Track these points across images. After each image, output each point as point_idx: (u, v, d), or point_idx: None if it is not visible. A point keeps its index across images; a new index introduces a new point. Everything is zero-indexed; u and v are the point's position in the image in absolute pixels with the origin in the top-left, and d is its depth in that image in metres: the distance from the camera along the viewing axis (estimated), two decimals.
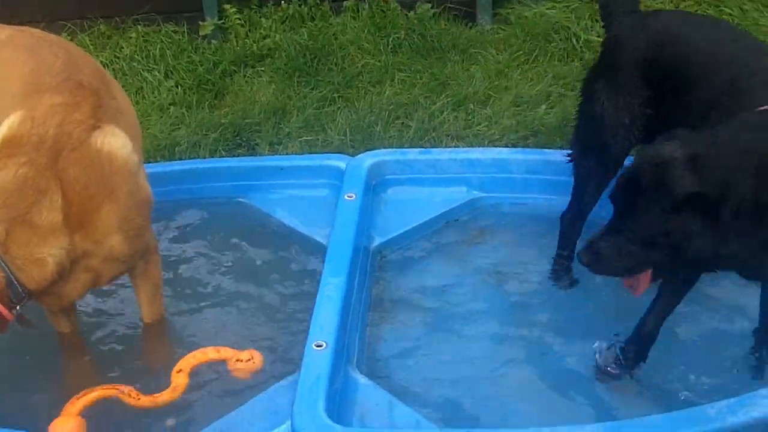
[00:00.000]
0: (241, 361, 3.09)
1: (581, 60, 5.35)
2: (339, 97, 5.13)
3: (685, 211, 2.42)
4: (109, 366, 3.24)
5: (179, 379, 3.06)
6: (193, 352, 3.16)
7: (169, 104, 5.18)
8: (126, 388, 3.02)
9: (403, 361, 3.18)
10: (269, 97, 5.15)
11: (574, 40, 5.51)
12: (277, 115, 4.98)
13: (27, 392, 3.15)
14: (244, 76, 5.41)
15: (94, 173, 2.82)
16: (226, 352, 3.15)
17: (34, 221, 2.73)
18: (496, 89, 5.06)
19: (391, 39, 5.52)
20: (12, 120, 2.81)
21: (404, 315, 3.42)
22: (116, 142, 2.92)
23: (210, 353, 3.16)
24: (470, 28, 5.78)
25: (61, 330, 3.26)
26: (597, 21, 5.63)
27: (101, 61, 5.47)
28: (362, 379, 2.93)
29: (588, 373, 3.04)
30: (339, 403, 2.76)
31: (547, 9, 5.72)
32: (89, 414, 2.95)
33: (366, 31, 5.58)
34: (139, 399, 2.99)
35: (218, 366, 3.14)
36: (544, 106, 4.87)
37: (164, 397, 3.01)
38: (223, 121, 4.93)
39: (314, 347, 2.87)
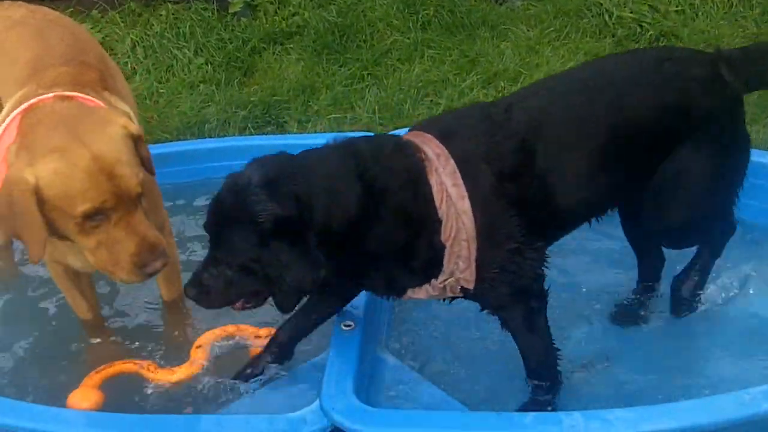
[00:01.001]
0: (260, 338, 3.08)
1: (613, 36, 5.30)
2: (368, 74, 5.12)
3: (274, 238, 2.39)
4: (132, 344, 3.25)
5: (198, 354, 3.07)
6: (213, 329, 3.16)
7: (199, 82, 5.19)
8: (145, 362, 3.04)
9: (431, 341, 3.17)
10: (298, 74, 5.14)
11: (606, 16, 5.46)
12: (305, 92, 4.98)
13: (49, 367, 3.17)
14: (273, 53, 5.41)
15: None
16: (245, 330, 3.14)
17: None
18: (526, 66, 5.02)
19: (420, 16, 5.49)
20: (19, 93, 2.84)
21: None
22: (125, 106, 2.98)
23: (229, 329, 3.14)
24: (500, 4, 5.74)
25: (83, 315, 3.28)
26: None
27: (131, 39, 5.51)
28: (390, 359, 2.93)
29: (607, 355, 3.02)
30: (367, 384, 2.77)
31: None
32: (108, 387, 2.96)
33: (395, 8, 5.55)
34: (156, 372, 3.00)
35: (239, 349, 3.12)
36: None
37: (182, 371, 3.01)
38: (252, 98, 4.93)
39: (343, 327, 2.87)
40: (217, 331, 3.15)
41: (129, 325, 3.39)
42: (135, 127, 2.69)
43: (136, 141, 2.67)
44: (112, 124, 2.64)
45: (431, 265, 2.57)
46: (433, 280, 2.60)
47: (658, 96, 2.70)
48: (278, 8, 5.70)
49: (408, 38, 5.34)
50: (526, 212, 2.57)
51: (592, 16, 5.47)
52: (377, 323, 3.06)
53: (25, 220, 2.54)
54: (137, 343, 3.24)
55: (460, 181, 2.50)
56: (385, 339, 3.08)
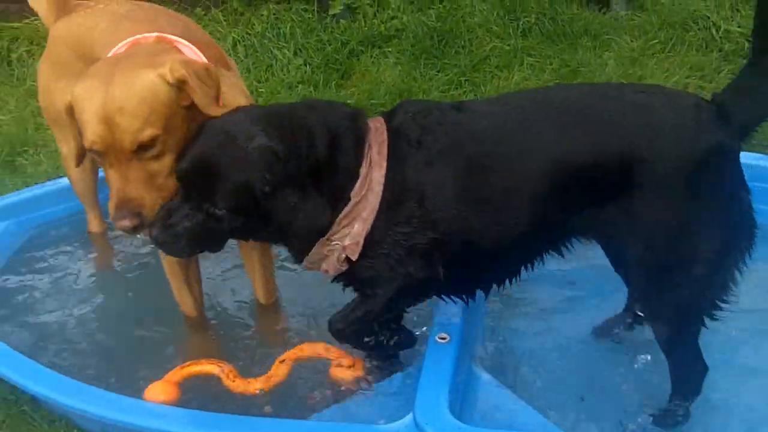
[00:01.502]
0: (342, 366, 3.01)
1: (720, 51, 5.15)
2: (465, 80, 5.08)
3: (281, 187, 2.47)
4: (226, 343, 3.31)
5: (279, 370, 3.03)
6: (301, 345, 3.12)
7: (298, 82, 5.23)
8: (226, 367, 3.03)
9: (525, 357, 3.12)
10: (395, 78, 5.14)
11: (713, 30, 5.31)
12: (402, 96, 4.96)
13: (137, 360, 3.22)
14: (371, 56, 5.42)
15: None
16: (333, 353, 3.05)
17: None
18: (629, 78, 4.91)
19: (521, 23, 5.43)
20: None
21: (525, 308, 3.35)
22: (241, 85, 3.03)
23: (318, 348, 3.08)
24: (603, 13, 5.64)
25: (189, 312, 3.34)
26: (738, 11, 5.41)
27: (233, 38, 5.59)
28: (484, 375, 2.89)
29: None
30: (461, 400, 2.73)
31: None
32: (187, 385, 2.99)
33: (495, 14, 5.51)
34: (234, 381, 2.99)
35: (318, 373, 3.06)
36: None
37: (257, 384, 2.98)
38: (348, 101, 4.94)
39: (438, 339, 2.84)
40: (306, 348, 3.11)
41: (226, 322, 3.43)
42: (178, 74, 2.61)
43: (179, 86, 2.62)
44: (148, 70, 2.62)
45: (331, 215, 2.58)
46: (322, 239, 2.61)
47: (618, 127, 2.52)
48: (377, 11, 5.71)
49: (508, 45, 5.29)
50: (427, 206, 2.58)
51: (699, 30, 5.32)
52: (472, 337, 3.02)
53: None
54: (231, 343, 3.29)
55: (385, 151, 2.58)
56: (479, 353, 3.04)
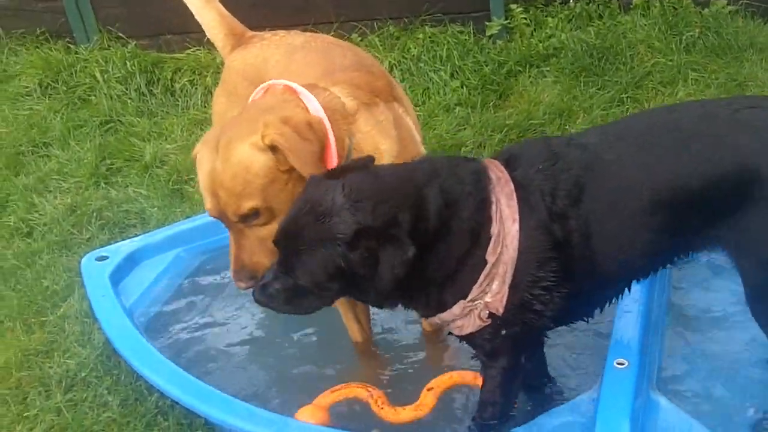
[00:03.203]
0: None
1: None
2: (627, 97, 5.01)
3: (356, 248, 2.39)
4: (390, 371, 3.37)
5: (428, 399, 3.04)
6: (450, 373, 3.13)
7: (455, 104, 5.27)
8: (376, 393, 3.06)
9: (704, 382, 3.04)
10: (554, 97, 5.11)
11: None
12: (562, 116, 4.94)
13: (299, 385, 3.32)
14: (529, 76, 5.41)
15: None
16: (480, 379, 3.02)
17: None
18: None
19: (684, 37, 5.32)
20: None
21: (701, 327, 3.28)
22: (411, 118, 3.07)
23: (467, 377, 3.08)
24: None
25: (356, 338, 3.43)
26: None
27: (389, 62, 5.68)
28: (663, 401, 2.81)
29: None
30: (641, 427, 2.67)
31: None
32: (336, 409, 3.06)
33: (657, 29, 5.41)
34: (382, 408, 3.00)
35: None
36: None
37: (407, 413, 3.00)
38: (507, 122, 4.95)
39: (616, 365, 2.80)
40: (455, 376, 3.12)
41: (390, 347, 3.50)
42: (269, 139, 2.66)
43: (273, 151, 2.67)
44: (243, 141, 2.68)
45: (470, 281, 2.54)
46: (461, 300, 2.56)
47: (727, 146, 2.48)
48: (534, 30, 5.70)
49: (670, 60, 5.18)
50: (565, 254, 2.54)
51: None
52: (650, 361, 2.96)
53: None
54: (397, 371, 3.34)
55: (515, 204, 2.54)
56: (656, 378, 2.97)
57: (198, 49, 6.29)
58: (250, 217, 2.70)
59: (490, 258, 2.53)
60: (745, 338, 3.13)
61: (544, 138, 2.92)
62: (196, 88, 6.01)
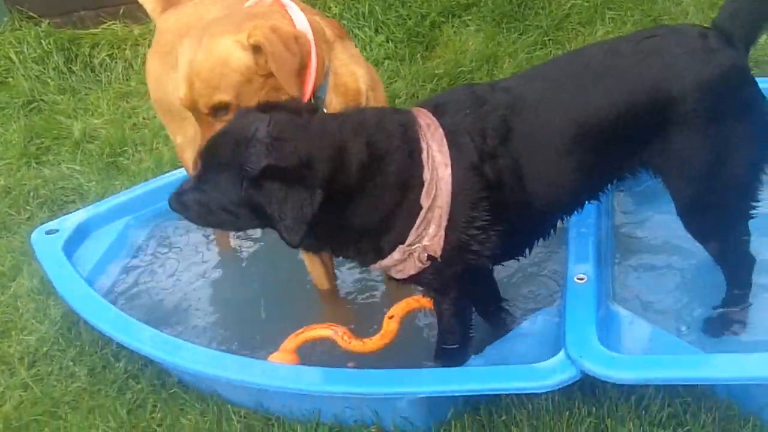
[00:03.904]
0: None
1: None
2: (549, 40, 5.15)
3: (266, 181, 2.45)
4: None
5: (390, 326, 3.17)
6: (407, 299, 3.26)
7: (383, 59, 5.31)
8: (341, 329, 3.17)
9: (657, 295, 3.23)
10: (479, 44, 5.21)
11: None
12: (489, 62, 5.05)
13: (254, 323, 3.45)
14: (452, 26, 5.48)
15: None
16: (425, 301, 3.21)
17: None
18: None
19: None
20: None
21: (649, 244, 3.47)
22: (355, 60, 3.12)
23: (422, 301, 3.22)
24: None
25: (321, 285, 3.51)
26: None
27: None
28: (622, 311, 2.98)
29: None
30: (606, 336, 2.81)
31: None
32: (304, 350, 3.17)
33: None
34: (349, 342, 3.14)
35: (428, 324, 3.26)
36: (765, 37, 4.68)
37: (374, 342, 3.14)
38: (437, 71, 5.04)
39: (576, 280, 2.94)
40: (411, 301, 3.25)
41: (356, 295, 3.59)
42: (254, 39, 2.74)
43: (255, 52, 2.75)
44: (227, 36, 2.78)
45: (406, 227, 2.65)
46: (400, 245, 2.68)
47: (636, 76, 2.66)
48: None
49: (587, 2, 5.32)
50: (497, 193, 2.67)
51: None
52: (606, 276, 3.11)
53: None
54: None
55: (446, 149, 2.64)
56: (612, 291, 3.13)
57: (113, 23, 6.19)
58: (219, 110, 2.77)
59: (425, 203, 2.63)
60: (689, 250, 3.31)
61: (468, 85, 3.02)
62: (116, 62, 5.92)
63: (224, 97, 2.75)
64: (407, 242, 2.67)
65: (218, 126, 2.73)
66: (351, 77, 3.00)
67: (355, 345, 3.13)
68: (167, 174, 4.28)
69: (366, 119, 2.68)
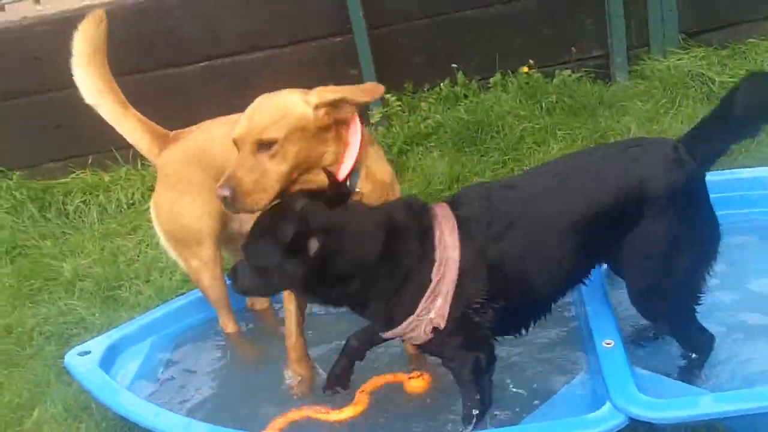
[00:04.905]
0: (414, 378, 3.61)
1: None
2: (509, 159, 5.60)
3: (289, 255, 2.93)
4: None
5: (361, 398, 3.55)
6: (376, 377, 3.66)
7: None
8: (322, 409, 3.52)
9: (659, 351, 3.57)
10: (445, 167, 5.63)
11: (710, 84, 5.96)
12: (458, 181, 5.46)
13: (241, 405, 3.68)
14: (417, 153, 5.92)
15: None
16: (400, 376, 3.66)
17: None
18: (653, 134, 5.48)
19: (544, 104, 5.99)
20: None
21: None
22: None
23: (388, 377, 3.66)
24: (610, 86, 6.27)
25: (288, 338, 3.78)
26: (726, 65, 6.11)
27: None
28: (645, 372, 3.26)
29: None
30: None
31: (677, 60, 6.19)
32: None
33: (518, 101, 6.06)
34: (328, 413, 3.49)
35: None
36: None
37: (348, 411, 3.50)
38: (412, 191, 5.40)
39: (605, 345, 3.26)
40: (379, 380, 3.65)
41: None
42: (323, 98, 3.15)
43: (317, 109, 3.14)
44: (296, 94, 3.19)
45: (416, 298, 3.08)
46: (411, 316, 3.09)
47: (621, 177, 3.17)
48: (410, 115, 6.24)
49: (537, 124, 5.82)
50: (498, 271, 3.12)
51: (698, 85, 5.97)
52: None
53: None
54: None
55: (456, 235, 3.09)
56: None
57: (82, 172, 6.43)
58: (265, 145, 3.08)
59: (435, 277, 3.05)
60: None
61: (481, 183, 3.52)
62: (89, 207, 6.12)
63: (276, 134, 3.08)
64: (416, 312, 3.07)
65: (257, 158, 3.07)
66: (380, 171, 3.42)
67: (332, 414, 3.49)
68: (178, 298, 4.51)
69: (394, 210, 3.14)
